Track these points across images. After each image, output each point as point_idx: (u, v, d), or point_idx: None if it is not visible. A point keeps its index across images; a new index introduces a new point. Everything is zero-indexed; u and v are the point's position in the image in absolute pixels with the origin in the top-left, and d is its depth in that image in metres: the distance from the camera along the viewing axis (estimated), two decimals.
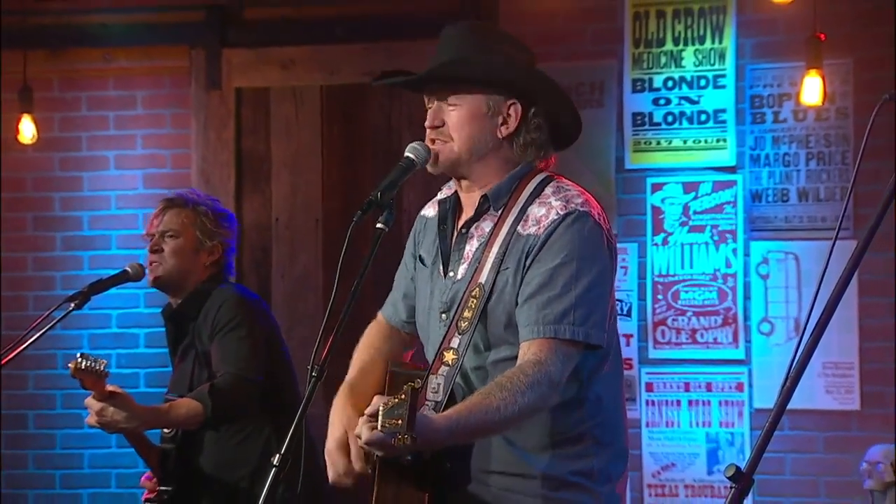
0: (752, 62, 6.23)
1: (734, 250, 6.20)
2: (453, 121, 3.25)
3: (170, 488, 4.59)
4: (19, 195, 6.92)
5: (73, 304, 4.47)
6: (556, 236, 3.15)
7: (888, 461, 5.87)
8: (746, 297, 6.18)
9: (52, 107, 6.80)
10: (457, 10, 6.31)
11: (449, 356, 3.17)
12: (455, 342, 3.17)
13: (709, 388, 6.19)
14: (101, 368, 4.19)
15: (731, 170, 6.22)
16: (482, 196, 3.26)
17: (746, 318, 6.18)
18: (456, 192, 3.35)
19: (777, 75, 6.20)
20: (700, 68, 6.27)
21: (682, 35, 6.28)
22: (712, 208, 6.22)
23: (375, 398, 2.97)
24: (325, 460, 3.18)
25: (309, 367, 2.95)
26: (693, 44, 6.27)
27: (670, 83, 6.28)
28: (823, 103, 5.96)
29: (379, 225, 3.10)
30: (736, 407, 6.17)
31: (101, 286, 4.57)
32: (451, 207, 3.34)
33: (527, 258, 3.15)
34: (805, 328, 2.47)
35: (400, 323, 3.50)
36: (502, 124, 3.25)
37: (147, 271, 4.69)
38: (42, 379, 6.80)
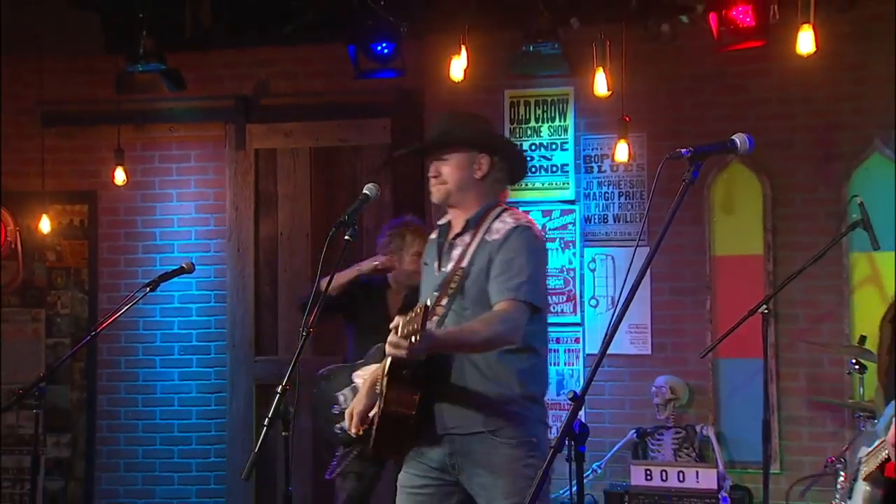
0: (585, 134, 6.24)
1: (574, 253, 6.20)
2: (447, 170, 3.29)
3: None
4: (115, 218, 6.80)
5: (148, 288, 4.39)
6: (510, 240, 3.20)
7: (668, 386, 5.93)
8: (582, 283, 6.18)
9: (136, 161, 6.67)
10: (399, 101, 6.30)
11: (440, 310, 3.19)
12: (444, 301, 3.20)
13: (558, 341, 6.18)
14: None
15: (571, 202, 6.22)
16: (466, 220, 3.30)
17: (581, 296, 6.18)
18: (449, 220, 3.39)
19: (600, 142, 6.22)
20: (552, 137, 6.27)
21: (541, 116, 6.28)
22: (560, 227, 6.22)
23: (396, 318, 2.97)
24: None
25: (301, 328, 2.95)
26: (547, 122, 6.28)
27: (533, 147, 6.28)
28: (629, 161, 5.99)
29: (346, 237, 3.09)
30: (574, 353, 6.17)
31: (166, 276, 4.48)
32: (446, 229, 3.39)
33: (492, 253, 3.20)
34: (618, 303, 2.48)
35: None
36: (477, 170, 3.29)
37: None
38: (129, 336, 6.67)
